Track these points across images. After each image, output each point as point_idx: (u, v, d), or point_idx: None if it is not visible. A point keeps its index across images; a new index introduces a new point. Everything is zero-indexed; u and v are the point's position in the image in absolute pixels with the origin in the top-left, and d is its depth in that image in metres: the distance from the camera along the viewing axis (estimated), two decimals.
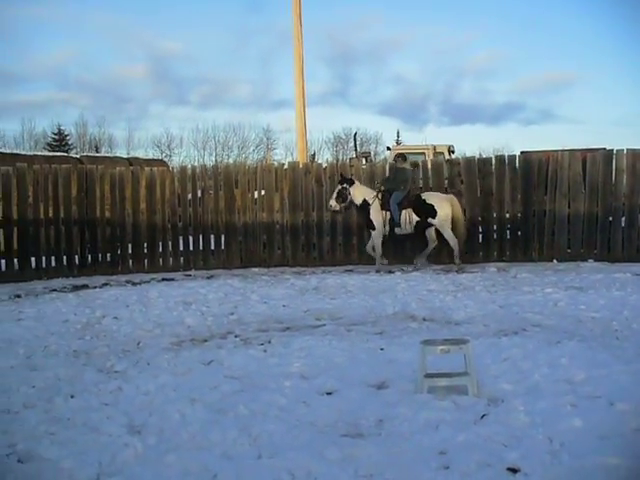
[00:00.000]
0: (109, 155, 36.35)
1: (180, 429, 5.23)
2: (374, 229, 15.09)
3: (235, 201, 16.33)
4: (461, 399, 5.52)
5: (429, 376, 5.75)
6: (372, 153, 44.08)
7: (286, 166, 17.42)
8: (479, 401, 5.51)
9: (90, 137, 62.06)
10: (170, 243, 15.97)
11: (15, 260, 14.74)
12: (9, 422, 5.59)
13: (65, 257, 15.22)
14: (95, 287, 13.14)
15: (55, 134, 58.41)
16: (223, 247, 16.20)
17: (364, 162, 22.24)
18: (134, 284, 13.54)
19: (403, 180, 15.18)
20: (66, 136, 58.97)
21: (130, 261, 15.62)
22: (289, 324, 9.18)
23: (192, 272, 15.32)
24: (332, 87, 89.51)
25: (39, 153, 30.56)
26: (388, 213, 15.00)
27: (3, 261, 14.65)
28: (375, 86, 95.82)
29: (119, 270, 15.36)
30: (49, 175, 15.19)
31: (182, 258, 16.05)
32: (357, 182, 15.35)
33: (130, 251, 15.77)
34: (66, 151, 49.94)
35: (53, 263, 15.10)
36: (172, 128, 68.52)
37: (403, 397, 5.70)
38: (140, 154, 48.27)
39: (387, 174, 16.09)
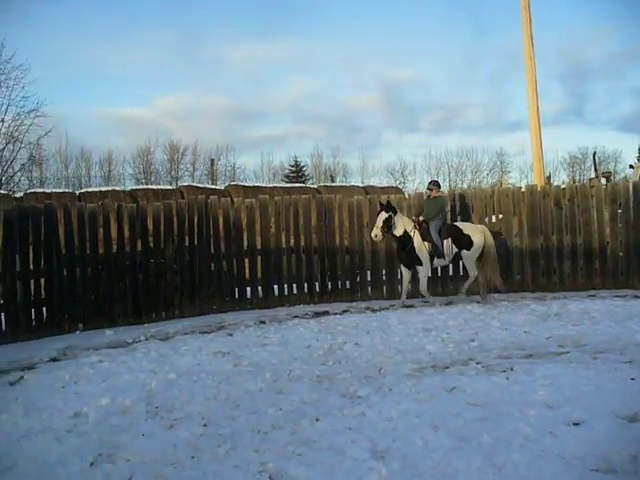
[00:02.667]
0: (345, 184, 37.28)
1: (424, 455, 5.23)
2: (421, 264, 14.29)
3: None
4: None
5: None
6: (612, 172, 42.24)
7: (523, 189, 17.07)
8: None
9: (325, 167, 63.92)
10: None
11: (259, 287, 15.38)
12: (260, 441, 5.85)
13: (306, 284, 15.65)
14: (335, 313, 13.42)
15: (292, 166, 60.76)
16: (461, 273, 16.08)
17: (605, 182, 21.34)
18: (373, 311, 13.68)
19: (439, 208, 14.58)
20: (303, 167, 61.14)
21: (369, 288, 15.82)
22: (531, 351, 8.94)
23: (430, 298, 15.29)
24: (566, 105, 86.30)
25: (278, 185, 31.83)
26: (429, 244, 14.27)
27: (248, 289, 15.30)
28: (612, 101, 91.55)
29: (358, 297, 15.57)
30: (290, 206, 15.77)
31: None
32: (399, 212, 14.59)
33: (369, 278, 15.97)
34: (303, 182, 51.79)
35: (295, 290, 15.57)
36: (405, 155, 69.48)
37: None
38: (374, 182, 49.18)
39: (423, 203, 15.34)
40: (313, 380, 8.00)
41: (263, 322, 12.79)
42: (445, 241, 14.32)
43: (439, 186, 15.33)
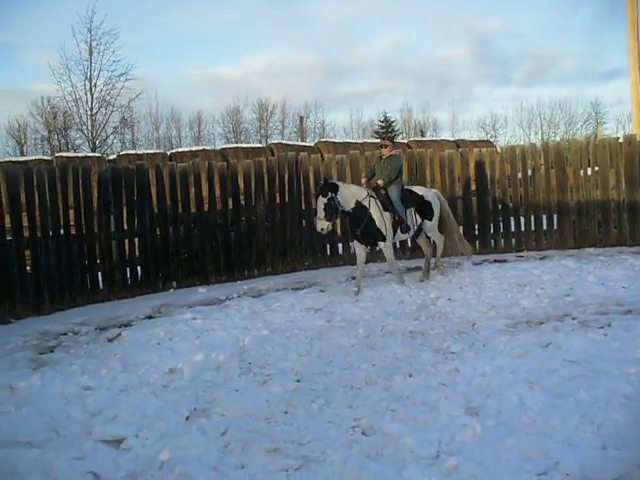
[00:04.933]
0: (435, 139, 36.78)
1: (519, 412, 5.15)
2: (384, 239, 11.69)
3: (567, 179, 15.74)
4: None
5: None
6: None
7: (621, 140, 16.49)
8: None
9: (415, 122, 63.06)
10: (501, 224, 15.78)
11: (351, 244, 15.29)
12: (353, 397, 5.87)
13: (398, 240, 15.48)
14: None
15: (382, 121, 60.14)
16: (555, 227, 15.71)
17: None
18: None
19: (396, 170, 11.97)
20: (392, 122, 60.50)
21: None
22: (630, 307, 8.67)
23: (524, 253, 15.03)
24: None
25: (368, 140, 31.59)
26: (391, 215, 11.75)
27: (340, 245, 15.27)
28: None
29: (450, 252, 15.38)
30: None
31: (514, 239, 15.73)
32: (341, 183, 11.74)
33: (461, 232, 15.70)
34: (393, 137, 51.33)
35: None
36: (496, 108, 68.06)
37: None
38: (465, 136, 48.40)
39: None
40: (406, 336, 7.98)
41: (354, 278, 12.74)
42: (408, 211, 12.07)
43: (393, 142, 12.92)
